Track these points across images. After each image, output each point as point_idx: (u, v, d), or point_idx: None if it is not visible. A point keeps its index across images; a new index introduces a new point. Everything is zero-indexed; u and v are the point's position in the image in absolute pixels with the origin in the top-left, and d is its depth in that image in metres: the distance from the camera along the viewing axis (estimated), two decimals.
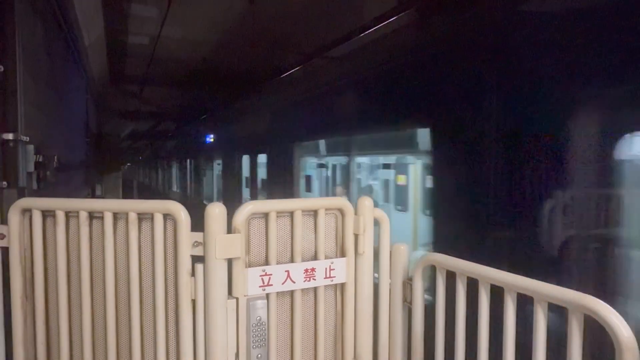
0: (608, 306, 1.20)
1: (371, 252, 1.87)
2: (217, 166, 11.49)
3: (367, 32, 5.02)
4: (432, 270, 1.78)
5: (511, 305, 1.47)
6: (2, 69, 2.22)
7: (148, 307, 1.64)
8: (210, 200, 11.65)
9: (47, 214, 1.65)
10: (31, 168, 2.64)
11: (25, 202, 1.65)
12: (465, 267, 1.64)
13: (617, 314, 1.18)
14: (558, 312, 1.34)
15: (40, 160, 2.84)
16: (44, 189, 3.03)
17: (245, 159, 8.94)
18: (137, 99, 12.59)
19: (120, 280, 1.64)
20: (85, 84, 7.61)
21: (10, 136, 2.26)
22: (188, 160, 14.29)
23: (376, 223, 1.89)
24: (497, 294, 1.52)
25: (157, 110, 14.27)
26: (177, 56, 8.78)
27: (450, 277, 1.70)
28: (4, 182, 2.20)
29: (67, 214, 1.64)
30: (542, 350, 1.38)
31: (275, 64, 7.39)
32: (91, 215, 1.64)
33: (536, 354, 1.38)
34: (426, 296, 1.86)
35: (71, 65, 5.74)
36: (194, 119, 13.22)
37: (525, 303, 1.43)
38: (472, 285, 1.60)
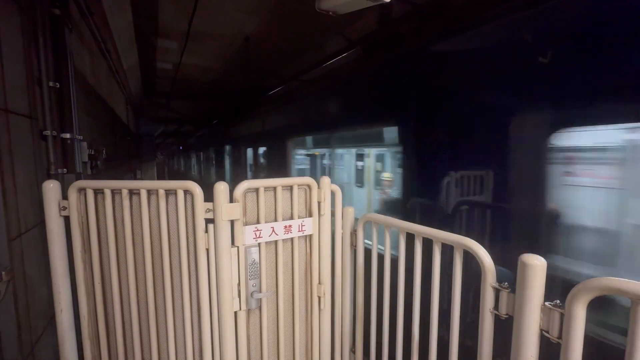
0: (478, 244, 1.27)
1: (329, 213, 1.88)
2: (197, 156, 11.42)
3: (326, 63, 4.96)
4: (369, 224, 1.83)
5: (419, 245, 1.53)
6: (59, 86, 2.06)
7: (175, 255, 1.60)
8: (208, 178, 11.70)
9: (97, 192, 1.56)
10: (85, 159, 2.50)
11: (80, 183, 1.55)
12: (390, 221, 1.69)
13: (483, 248, 1.26)
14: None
15: (92, 153, 2.68)
16: (96, 175, 2.88)
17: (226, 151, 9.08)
18: (165, 108, 11.93)
19: (154, 238, 1.58)
20: (125, 98, 7.18)
21: (67, 135, 2.13)
22: (199, 152, 13.93)
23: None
24: (410, 238, 1.58)
25: (180, 117, 13.58)
26: (193, 78, 8.35)
27: (381, 229, 1.75)
28: (64, 169, 2.07)
29: (113, 191, 1.56)
30: (437, 272, 1.45)
31: (263, 85, 7.23)
32: (131, 192, 1.56)
33: (434, 276, 1.45)
34: (366, 241, 1.91)
35: (114, 83, 5.38)
36: (207, 123, 12.74)
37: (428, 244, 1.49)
38: (396, 234, 1.65)
